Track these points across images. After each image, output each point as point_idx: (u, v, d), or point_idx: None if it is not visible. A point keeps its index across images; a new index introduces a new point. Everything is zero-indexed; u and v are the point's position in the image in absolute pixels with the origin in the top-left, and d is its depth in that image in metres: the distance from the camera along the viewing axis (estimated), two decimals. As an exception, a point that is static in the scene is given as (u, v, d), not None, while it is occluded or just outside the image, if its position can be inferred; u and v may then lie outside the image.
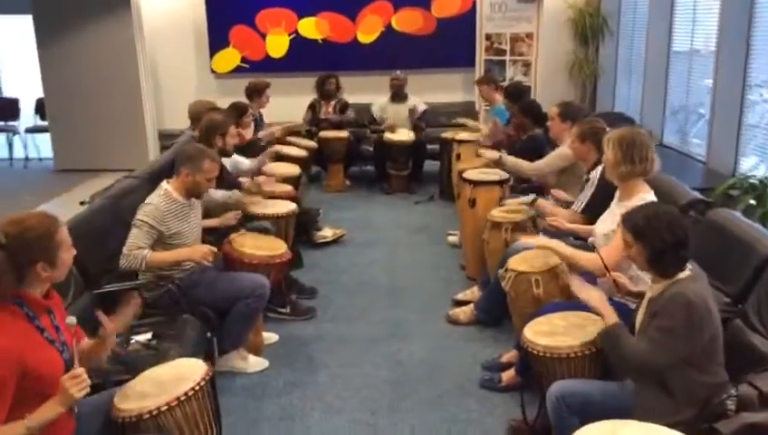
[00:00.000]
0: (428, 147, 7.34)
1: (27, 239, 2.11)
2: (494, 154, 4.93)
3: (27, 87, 8.99)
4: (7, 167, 9.14)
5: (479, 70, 8.35)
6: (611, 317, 2.57)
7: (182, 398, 2.35)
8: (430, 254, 5.54)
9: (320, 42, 8.71)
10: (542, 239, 3.45)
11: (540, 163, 4.61)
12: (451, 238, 5.62)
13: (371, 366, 3.81)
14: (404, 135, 7.13)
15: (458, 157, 6.32)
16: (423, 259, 5.42)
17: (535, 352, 2.72)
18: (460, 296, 4.53)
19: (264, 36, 8.69)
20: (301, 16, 8.66)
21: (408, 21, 8.68)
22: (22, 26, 8.47)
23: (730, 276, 3.13)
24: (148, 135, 8.27)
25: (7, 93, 9.68)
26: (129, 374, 2.66)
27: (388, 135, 7.12)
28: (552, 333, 2.77)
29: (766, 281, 2.83)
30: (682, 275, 2.43)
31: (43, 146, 9.04)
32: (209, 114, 4.57)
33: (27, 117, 9.26)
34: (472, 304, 4.29)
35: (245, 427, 3.28)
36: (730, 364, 2.65)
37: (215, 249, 3.55)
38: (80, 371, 2.08)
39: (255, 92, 6.53)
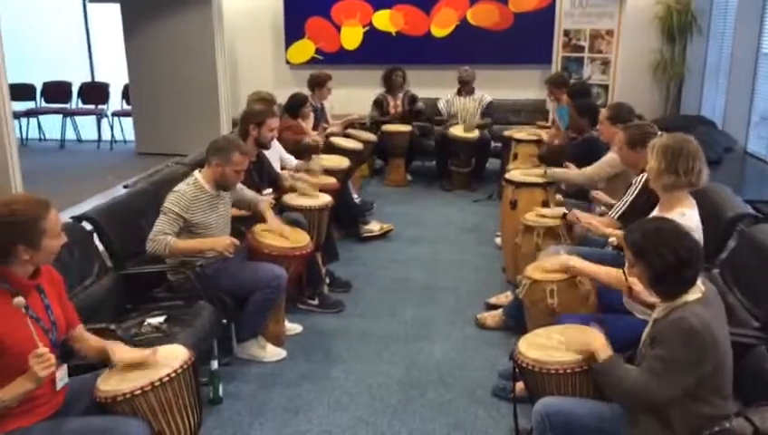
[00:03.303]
0: (493, 144, 7.16)
1: (11, 222, 2.18)
2: (540, 169, 4.88)
3: (118, 73, 9.39)
4: (94, 148, 9.64)
5: (556, 67, 8.06)
6: (603, 346, 2.41)
7: (156, 383, 2.38)
8: (475, 254, 5.40)
9: (393, 35, 8.66)
10: (561, 258, 3.23)
11: (588, 170, 4.39)
12: (498, 240, 5.45)
13: (387, 364, 3.76)
14: (468, 131, 6.97)
15: (515, 156, 6.13)
16: (466, 259, 5.29)
17: (524, 364, 2.58)
18: (493, 300, 4.40)
19: (338, 28, 8.73)
20: (376, 9, 8.63)
21: (485, 15, 8.47)
22: (112, 14, 8.83)
23: (763, 298, 2.88)
24: (222, 123, 8.47)
25: (99, 78, 10.15)
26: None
27: (452, 131, 6.98)
28: (545, 346, 2.63)
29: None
30: (690, 297, 2.23)
31: (128, 129, 9.46)
32: (252, 104, 4.64)
33: (116, 101, 9.71)
34: (501, 309, 4.16)
35: (249, 415, 3.30)
36: (746, 393, 2.45)
37: (237, 242, 3.58)
38: (42, 350, 2.13)
39: (317, 84, 6.58)
